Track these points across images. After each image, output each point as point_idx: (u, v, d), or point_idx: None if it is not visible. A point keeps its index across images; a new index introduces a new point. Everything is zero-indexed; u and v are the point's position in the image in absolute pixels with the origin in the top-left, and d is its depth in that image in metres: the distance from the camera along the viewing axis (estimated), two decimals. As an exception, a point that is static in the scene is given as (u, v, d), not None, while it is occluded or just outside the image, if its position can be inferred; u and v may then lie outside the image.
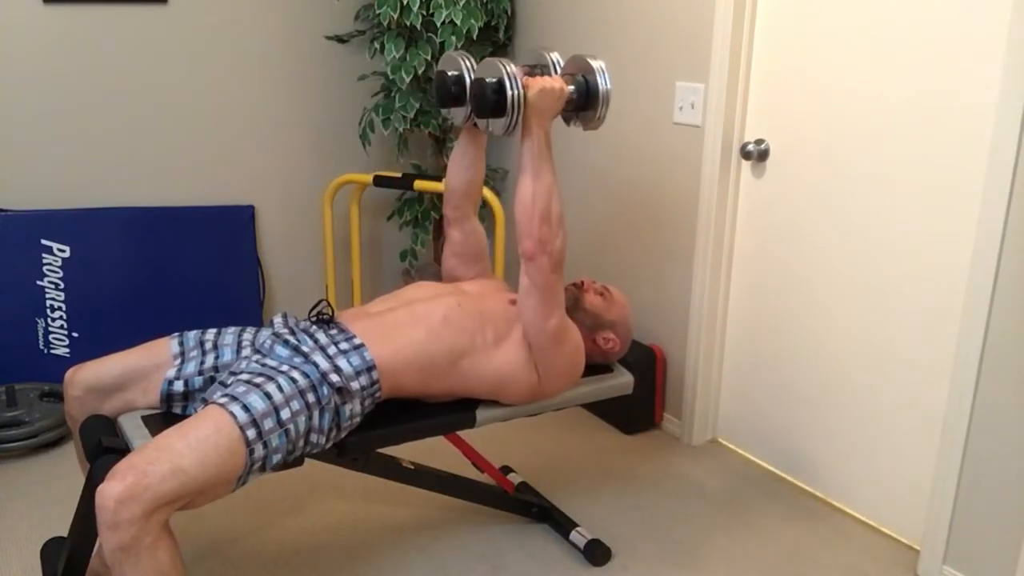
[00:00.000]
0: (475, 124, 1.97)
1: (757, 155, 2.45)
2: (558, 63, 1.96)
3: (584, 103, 1.87)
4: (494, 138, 1.80)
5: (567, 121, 1.95)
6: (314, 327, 1.77)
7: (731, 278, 2.62)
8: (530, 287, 1.78)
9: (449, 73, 1.91)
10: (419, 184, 2.98)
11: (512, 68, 1.75)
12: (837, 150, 2.23)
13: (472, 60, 1.94)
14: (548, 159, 1.78)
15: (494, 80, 1.74)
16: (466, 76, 1.90)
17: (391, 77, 3.00)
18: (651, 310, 2.82)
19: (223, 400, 1.53)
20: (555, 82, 1.78)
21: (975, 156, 1.92)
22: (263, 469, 1.56)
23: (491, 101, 1.74)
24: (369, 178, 3.07)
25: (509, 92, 1.73)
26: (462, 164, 2.08)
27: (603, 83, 1.84)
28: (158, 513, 1.40)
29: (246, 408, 1.52)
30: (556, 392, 1.91)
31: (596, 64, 1.85)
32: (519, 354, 1.83)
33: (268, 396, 1.55)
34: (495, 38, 3.25)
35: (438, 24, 2.90)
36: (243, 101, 3.18)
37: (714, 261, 2.57)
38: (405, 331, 1.77)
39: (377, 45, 3.06)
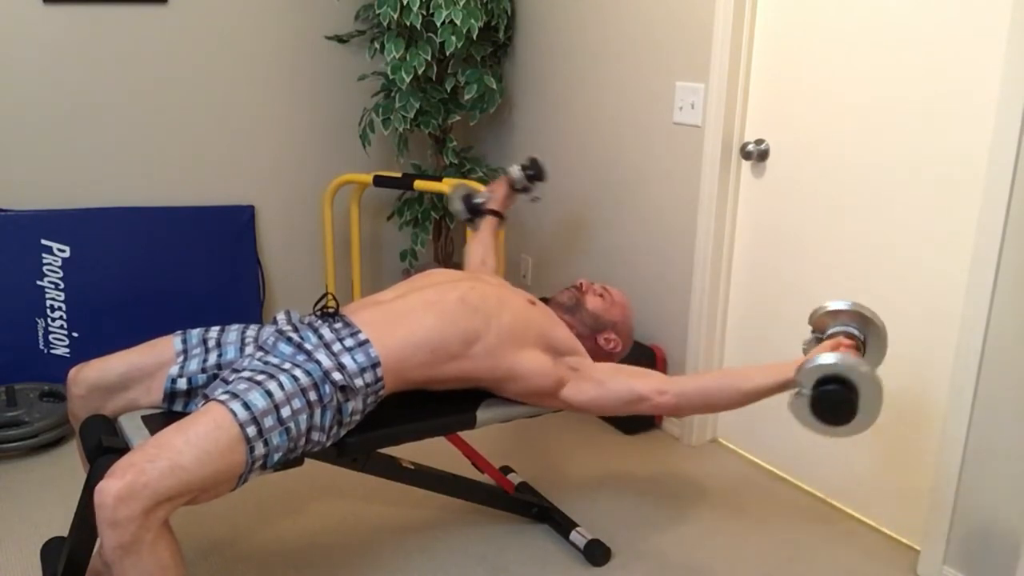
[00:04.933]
0: (484, 215, 2.45)
1: (757, 155, 2.45)
2: (515, 171, 2.46)
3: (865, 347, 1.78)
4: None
5: None
6: (319, 322, 1.76)
7: (731, 278, 2.62)
8: (638, 403, 1.82)
9: (456, 207, 2.51)
10: (419, 184, 2.98)
11: (851, 360, 1.58)
12: (837, 150, 2.24)
13: (459, 198, 2.51)
14: None
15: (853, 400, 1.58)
16: (461, 208, 2.49)
17: (391, 77, 3.00)
18: (651, 310, 2.83)
19: (224, 397, 1.53)
20: (858, 360, 1.63)
21: (975, 156, 1.92)
22: (264, 467, 1.56)
23: (843, 420, 1.60)
24: (369, 178, 3.07)
25: (863, 391, 1.58)
26: (475, 242, 2.39)
27: (878, 322, 1.74)
28: (158, 510, 1.40)
29: (247, 406, 1.51)
30: (564, 408, 1.92)
31: (838, 306, 1.75)
32: (540, 361, 1.84)
33: (269, 394, 1.55)
34: (495, 38, 3.26)
35: (438, 24, 2.90)
36: (243, 101, 3.18)
37: (714, 261, 2.57)
38: (416, 316, 1.76)
39: (377, 45, 3.06)
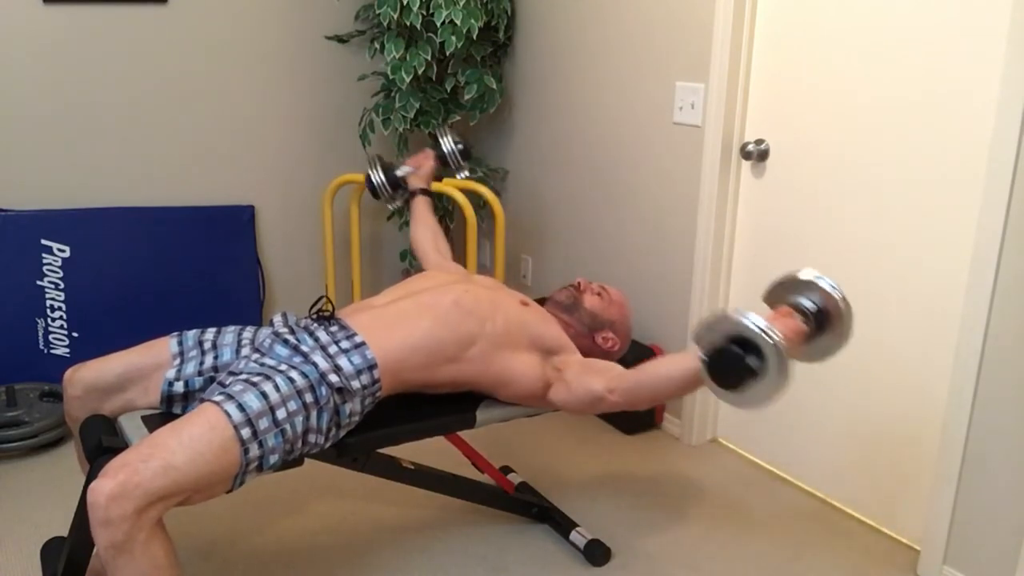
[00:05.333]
0: (411, 196, 2.29)
1: (757, 155, 2.45)
2: (455, 145, 2.28)
3: (823, 326, 1.61)
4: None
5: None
6: (315, 325, 1.76)
7: (731, 278, 2.62)
8: (598, 403, 1.80)
9: (370, 177, 2.24)
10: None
11: (779, 340, 1.44)
12: (837, 150, 2.24)
13: (378, 166, 2.25)
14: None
15: (757, 365, 1.44)
16: (373, 180, 2.24)
17: (391, 77, 3.00)
18: (651, 310, 2.83)
19: (219, 398, 1.53)
20: (798, 339, 1.55)
21: (975, 156, 1.92)
22: (260, 469, 1.55)
23: (743, 379, 1.47)
24: (369, 178, 3.07)
25: (772, 361, 1.43)
26: (415, 226, 2.28)
27: (835, 293, 1.59)
28: (150, 510, 1.40)
29: (241, 407, 1.51)
30: (556, 409, 1.92)
31: (806, 276, 1.61)
32: (529, 363, 1.84)
33: (264, 395, 1.55)
34: (495, 38, 3.26)
35: (438, 24, 2.90)
36: (243, 101, 3.18)
37: (714, 261, 2.57)
38: (411, 321, 1.77)
39: (377, 45, 3.06)
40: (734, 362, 1.46)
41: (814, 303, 1.61)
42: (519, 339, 1.84)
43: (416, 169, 2.32)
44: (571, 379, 1.82)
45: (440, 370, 1.78)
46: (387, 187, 2.27)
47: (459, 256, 3.40)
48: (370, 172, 2.27)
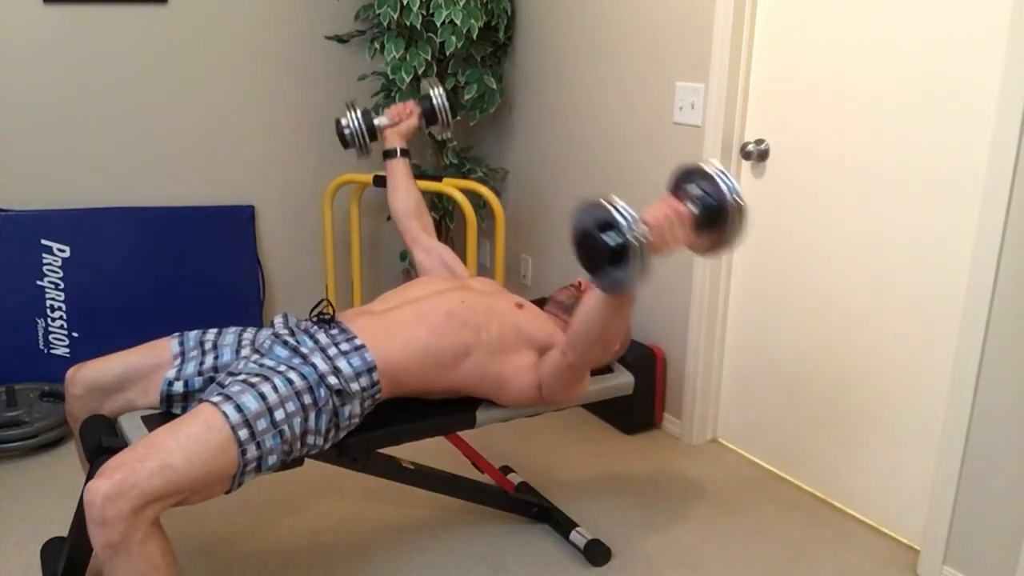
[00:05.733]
0: (387, 155, 2.12)
1: (757, 155, 2.45)
2: (441, 97, 2.10)
3: (712, 222, 1.54)
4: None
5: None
6: (315, 327, 1.77)
7: (731, 278, 2.62)
8: (563, 375, 1.79)
9: (340, 121, 2.04)
10: (419, 184, 2.97)
11: (631, 216, 1.41)
12: (837, 150, 2.23)
13: (356, 110, 2.05)
14: (634, 299, 1.60)
15: (614, 240, 1.41)
16: (350, 124, 2.04)
17: (391, 77, 3.00)
18: (651, 310, 2.83)
19: (217, 399, 1.53)
20: (679, 221, 1.49)
21: (975, 156, 1.92)
22: (258, 470, 1.55)
23: (606, 257, 1.43)
24: (369, 178, 3.07)
25: (631, 253, 1.40)
26: (394, 192, 2.18)
27: (729, 193, 1.51)
28: (147, 510, 1.40)
29: (239, 408, 1.51)
30: (555, 405, 1.92)
31: (712, 169, 1.52)
32: (524, 364, 1.84)
33: (263, 396, 1.55)
34: (495, 38, 3.26)
35: (438, 24, 2.90)
36: (243, 101, 3.18)
37: (714, 261, 2.57)
38: (408, 330, 1.77)
39: (377, 45, 3.06)
40: (593, 243, 1.44)
41: (707, 193, 1.55)
42: (514, 342, 1.84)
43: (396, 122, 2.14)
44: (543, 365, 1.83)
45: (437, 378, 1.79)
46: (363, 134, 2.04)
47: (459, 257, 3.40)
48: (344, 116, 2.04)
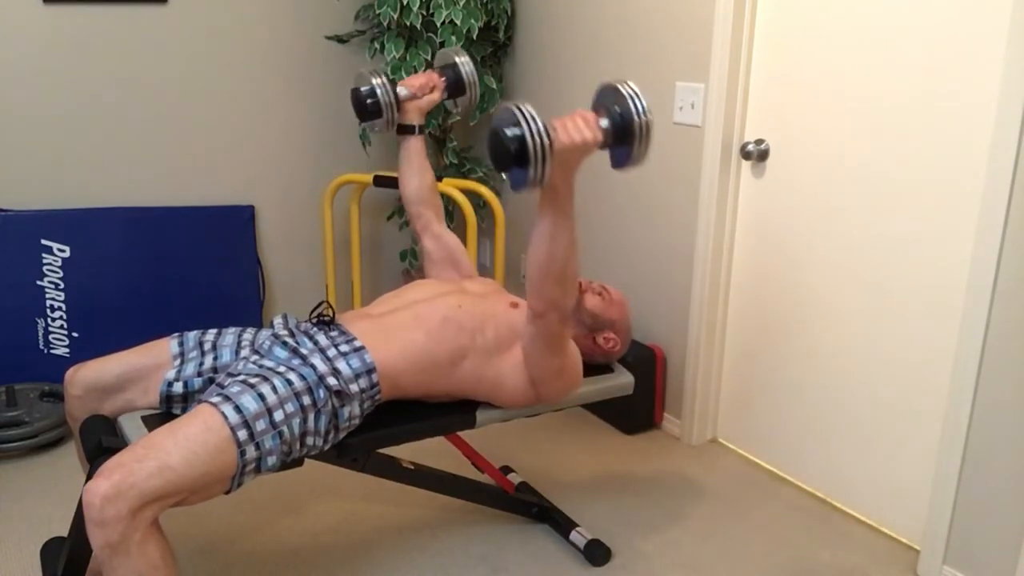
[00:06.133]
0: (403, 131, 1.98)
1: (757, 155, 2.45)
2: (468, 64, 2.02)
3: (620, 139, 1.59)
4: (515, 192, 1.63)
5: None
6: (314, 328, 1.77)
7: (731, 278, 2.62)
8: (536, 336, 1.74)
9: (362, 89, 1.91)
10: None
11: (531, 111, 1.46)
12: (837, 150, 2.23)
13: (382, 75, 1.94)
14: (569, 214, 1.58)
15: (514, 132, 1.46)
16: (378, 91, 1.91)
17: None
18: (651, 310, 2.83)
19: (216, 400, 1.53)
20: (585, 123, 1.51)
21: (975, 156, 1.92)
22: (258, 470, 1.55)
23: (511, 154, 1.46)
24: (369, 178, 3.07)
25: (531, 142, 1.44)
26: (408, 173, 2.11)
27: (638, 113, 1.53)
28: (145, 510, 1.40)
29: (238, 409, 1.51)
30: (551, 402, 1.92)
31: (626, 90, 1.55)
32: (517, 364, 1.84)
33: (262, 397, 1.55)
34: (495, 38, 3.26)
35: (438, 24, 2.90)
36: (243, 101, 3.18)
37: (714, 261, 2.57)
38: (406, 333, 1.78)
39: (377, 45, 3.06)
40: (499, 139, 1.48)
41: (619, 108, 1.57)
42: (508, 341, 1.84)
43: (417, 95, 2.03)
44: (522, 339, 1.81)
45: (436, 380, 1.80)
46: (394, 103, 1.90)
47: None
48: (368, 84, 1.91)
